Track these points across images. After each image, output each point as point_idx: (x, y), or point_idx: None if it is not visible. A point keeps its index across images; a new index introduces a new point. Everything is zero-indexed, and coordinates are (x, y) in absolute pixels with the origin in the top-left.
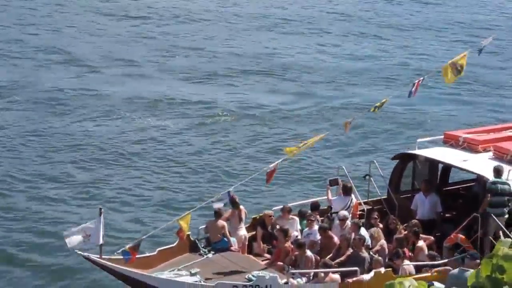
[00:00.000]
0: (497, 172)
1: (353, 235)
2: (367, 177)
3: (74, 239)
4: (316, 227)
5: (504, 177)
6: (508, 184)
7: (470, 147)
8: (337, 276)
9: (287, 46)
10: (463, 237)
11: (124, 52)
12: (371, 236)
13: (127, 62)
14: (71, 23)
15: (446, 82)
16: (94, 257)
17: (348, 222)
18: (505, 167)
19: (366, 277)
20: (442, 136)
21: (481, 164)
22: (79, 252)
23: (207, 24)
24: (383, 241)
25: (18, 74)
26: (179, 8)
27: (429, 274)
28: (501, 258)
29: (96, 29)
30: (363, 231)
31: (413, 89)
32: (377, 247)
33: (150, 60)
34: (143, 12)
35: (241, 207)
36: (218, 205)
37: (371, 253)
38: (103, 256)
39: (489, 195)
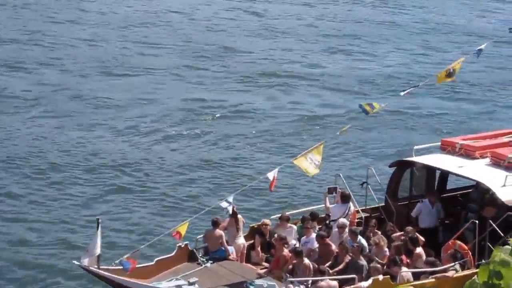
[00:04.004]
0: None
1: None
2: (365, 184)
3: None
4: (313, 235)
5: (500, 184)
6: None
7: (467, 153)
8: (335, 283)
9: (288, 54)
10: (461, 243)
11: (145, 59)
12: (374, 243)
13: (146, 69)
14: (97, 30)
15: (436, 82)
16: (92, 267)
17: (347, 230)
18: (503, 173)
19: (364, 284)
20: (439, 143)
21: (478, 171)
22: (77, 263)
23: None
24: (386, 250)
25: (44, 83)
26: (210, 15)
27: (428, 280)
28: (498, 264)
29: (121, 37)
30: (361, 239)
31: (407, 91)
32: (385, 258)
33: (181, 66)
34: (174, 19)
35: (239, 216)
36: (228, 207)
37: (374, 257)
38: (101, 266)
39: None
